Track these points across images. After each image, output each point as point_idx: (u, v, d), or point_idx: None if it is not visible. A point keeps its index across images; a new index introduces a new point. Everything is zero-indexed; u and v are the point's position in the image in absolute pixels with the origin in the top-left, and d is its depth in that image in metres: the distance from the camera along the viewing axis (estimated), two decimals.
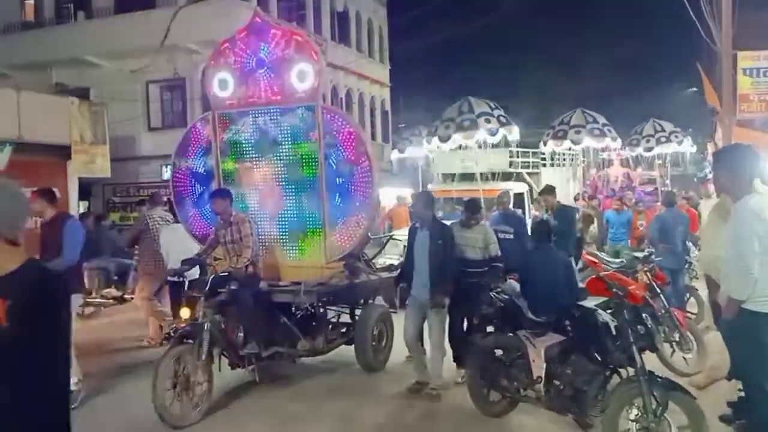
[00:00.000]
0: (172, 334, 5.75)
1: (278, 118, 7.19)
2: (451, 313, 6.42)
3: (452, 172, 15.44)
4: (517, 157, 15.00)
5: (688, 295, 8.67)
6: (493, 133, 13.58)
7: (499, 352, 5.36)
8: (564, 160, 17.61)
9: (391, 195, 16.34)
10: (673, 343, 6.56)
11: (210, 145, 7.55)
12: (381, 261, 9.11)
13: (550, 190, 9.04)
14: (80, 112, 16.37)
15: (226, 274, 6.27)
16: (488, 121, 13.63)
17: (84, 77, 19.87)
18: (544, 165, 17.12)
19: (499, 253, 6.65)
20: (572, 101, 17.77)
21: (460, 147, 14.50)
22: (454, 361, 6.58)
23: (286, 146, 7.19)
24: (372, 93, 32.21)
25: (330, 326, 7.39)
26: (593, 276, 6.61)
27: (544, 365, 4.95)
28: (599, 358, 4.75)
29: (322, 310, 7.31)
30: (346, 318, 7.64)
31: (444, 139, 13.80)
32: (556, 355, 4.95)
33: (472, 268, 6.43)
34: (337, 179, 6.94)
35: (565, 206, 9.15)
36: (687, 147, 22.10)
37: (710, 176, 18.90)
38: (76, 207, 16.44)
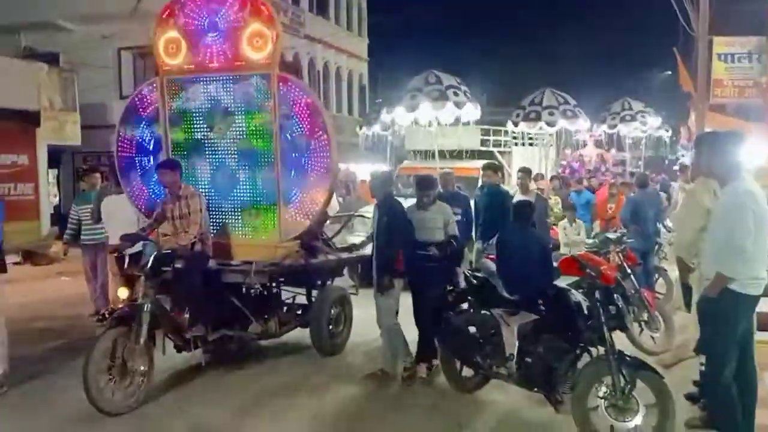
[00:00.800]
0: (107, 315, 5.32)
1: (231, 86, 6.70)
2: (415, 300, 6.17)
3: (424, 149, 14.74)
4: (489, 135, 14.51)
5: (657, 275, 8.84)
6: (461, 107, 12.95)
7: (472, 329, 5.41)
8: (536, 139, 16.99)
9: (367, 171, 16.16)
10: (642, 323, 6.70)
11: (158, 113, 7.05)
12: (350, 239, 8.97)
13: (492, 167, 8.95)
14: (50, 78, 15.99)
15: (170, 251, 5.89)
16: (456, 95, 13.05)
17: (54, 42, 19.32)
18: (516, 144, 16.50)
19: (457, 233, 6.35)
20: (547, 83, 17.28)
21: (429, 123, 13.99)
22: (418, 354, 6.14)
23: (240, 116, 6.73)
24: (350, 67, 31.95)
25: (284, 308, 7.11)
26: (567, 255, 6.69)
27: (517, 343, 5.02)
28: (570, 337, 4.82)
29: (275, 291, 7.03)
30: (302, 299, 7.36)
31: (411, 109, 13.13)
32: (528, 334, 5.02)
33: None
34: (293, 153, 6.52)
35: (497, 187, 8.87)
36: (652, 127, 21.70)
37: (682, 160, 19.14)
38: (45, 175, 16.12)
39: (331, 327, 6.91)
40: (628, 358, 4.56)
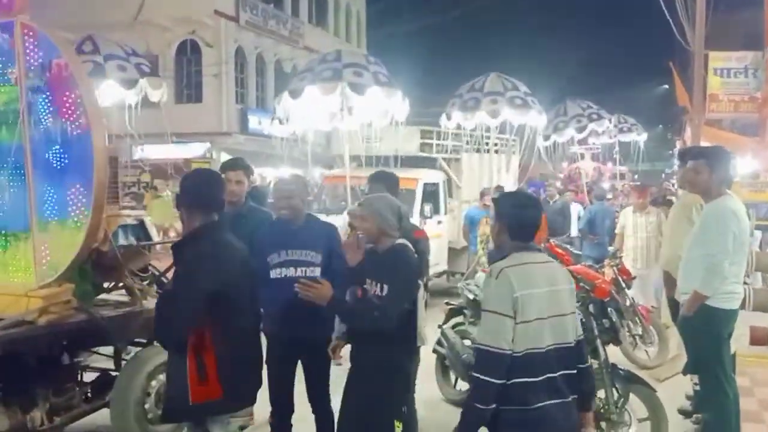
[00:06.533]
0: None
1: None
2: None
3: (354, 154, 10.71)
4: (432, 138, 11.19)
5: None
6: (361, 92, 9.34)
7: (467, 342, 5.43)
8: (495, 145, 13.16)
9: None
10: (636, 337, 6.72)
11: None
12: None
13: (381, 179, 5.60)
14: None
15: None
16: (359, 75, 9.47)
17: None
18: (477, 150, 12.44)
19: (581, 334, 2.99)
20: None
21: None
22: None
23: None
24: None
25: (67, 385, 4.64)
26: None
27: None
28: None
29: (43, 361, 4.45)
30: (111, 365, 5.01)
31: (295, 94, 9.69)
32: None
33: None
34: (50, 147, 4.23)
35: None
36: (598, 132, 17.77)
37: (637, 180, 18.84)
38: None
39: (147, 407, 4.58)
40: (621, 372, 4.58)
